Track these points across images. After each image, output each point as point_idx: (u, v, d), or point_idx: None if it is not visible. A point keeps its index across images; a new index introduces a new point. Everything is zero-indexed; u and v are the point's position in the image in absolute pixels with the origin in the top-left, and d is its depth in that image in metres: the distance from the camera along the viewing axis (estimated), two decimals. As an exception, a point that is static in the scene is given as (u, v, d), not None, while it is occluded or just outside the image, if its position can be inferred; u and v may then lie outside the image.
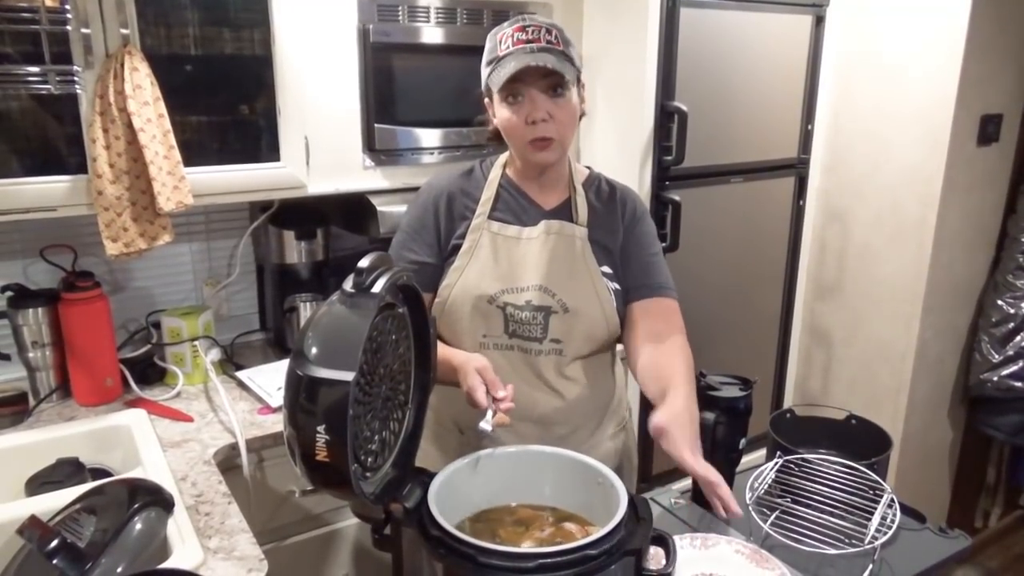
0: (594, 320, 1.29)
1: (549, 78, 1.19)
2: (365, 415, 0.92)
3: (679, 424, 1.09)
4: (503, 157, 1.35)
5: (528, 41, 1.18)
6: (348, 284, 0.89)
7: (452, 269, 1.29)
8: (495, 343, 1.28)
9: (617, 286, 1.31)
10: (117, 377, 1.67)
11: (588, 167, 1.40)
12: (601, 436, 1.35)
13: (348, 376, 0.82)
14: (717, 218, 2.16)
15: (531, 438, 1.25)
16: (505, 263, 1.28)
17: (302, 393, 0.83)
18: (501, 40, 1.21)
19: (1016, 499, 2.76)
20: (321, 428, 0.82)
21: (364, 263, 0.90)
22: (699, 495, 1.36)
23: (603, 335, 1.31)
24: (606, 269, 1.31)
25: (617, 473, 1.02)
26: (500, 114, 1.24)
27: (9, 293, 1.62)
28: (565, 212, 1.32)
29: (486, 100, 1.28)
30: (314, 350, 0.84)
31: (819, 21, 2.21)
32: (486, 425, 1.07)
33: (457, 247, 1.30)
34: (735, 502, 1.07)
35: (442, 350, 1.25)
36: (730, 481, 1.36)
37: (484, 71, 1.24)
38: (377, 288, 0.88)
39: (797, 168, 2.32)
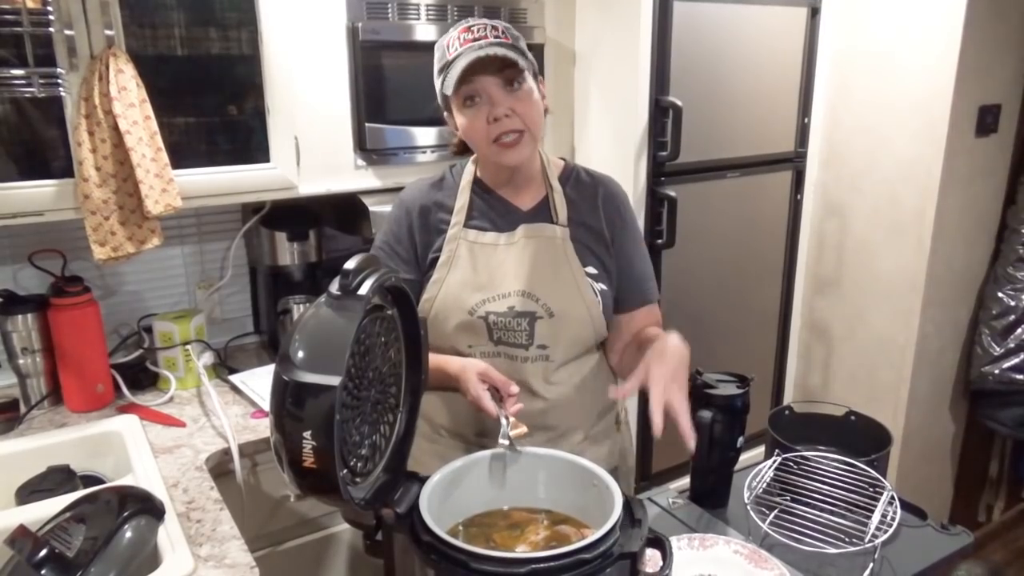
0: (580, 323, 1.26)
1: (504, 72, 1.15)
2: (354, 419, 0.90)
3: (659, 360, 1.08)
4: (473, 159, 1.31)
5: (475, 39, 1.15)
6: (334, 286, 0.87)
7: (432, 282, 1.26)
8: (481, 352, 1.25)
9: (603, 286, 1.28)
10: (108, 383, 1.65)
11: (563, 159, 1.36)
12: (592, 441, 1.32)
13: (334, 381, 0.80)
14: (714, 214, 2.14)
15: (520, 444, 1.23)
16: (484, 272, 1.25)
17: (288, 398, 0.81)
18: (448, 45, 1.18)
19: (1019, 492, 2.74)
20: (308, 434, 0.81)
21: (350, 264, 0.88)
22: (698, 495, 1.34)
23: (590, 338, 1.29)
24: (590, 269, 1.27)
25: (612, 475, 1.00)
26: (460, 122, 1.20)
27: (-2, 299, 1.60)
28: (544, 212, 1.28)
29: (446, 114, 1.25)
30: (300, 354, 0.83)
31: (814, 13, 2.19)
32: (504, 440, 1.05)
33: (435, 260, 1.27)
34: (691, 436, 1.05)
35: (435, 358, 1.23)
36: (728, 480, 1.34)
37: (437, 82, 1.20)
38: (364, 290, 0.87)
39: (794, 162, 2.30)
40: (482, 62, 1.13)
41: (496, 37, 1.16)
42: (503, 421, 1.08)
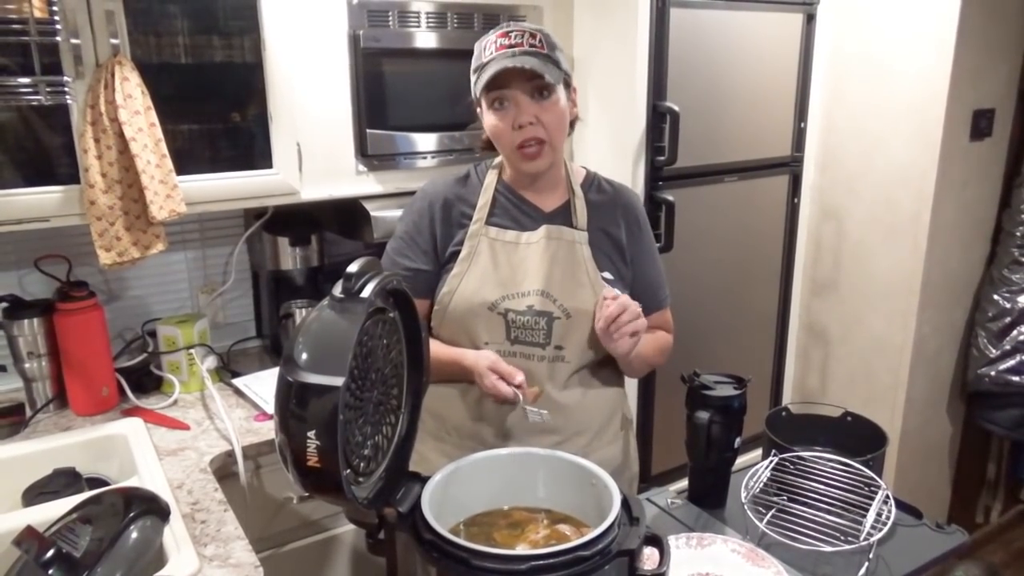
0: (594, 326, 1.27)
1: (533, 81, 1.19)
2: (356, 420, 0.92)
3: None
4: (498, 160, 1.34)
5: (511, 46, 1.19)
6: (337, 289, 0.89)
7: (451, 276, 1.28)
8: (497, 350, 1.27)
9: (617, 292, 1.29)
10: (113, 386, 1.67)
11: (584, 167, 1.40)
12: (598, 444, 1.34)
13: (338, 381, 0.82)
14: (711, 218, 2.16)
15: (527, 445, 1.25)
16: (505, 269, 1.28)
17: (292, 399, 0.83)
18: (485, 47, 1.22)
19: (1017, 494, 2.75)
20: (312, 434, 0.83)
21: (353, 268, 0.90)
22: (696, 495, 1.36)
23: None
24: (607, 275, 1.30)
25: (616, 476, 1.02)
26: (487, 121, 1.24)
27: (4, 304, 1.62)
28: (565, 215, 1.32)
29: (478, 109, 1.29)
30: (304, 356, 0.84)
31: (810, 19, 2.21)
32: (526, 405, 1.14)
33: (455, 254, 1.29)
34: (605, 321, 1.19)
35: (449, 350, 1.28)
36: (725, 480, 1.36)
37: (472, 79, 1.25)
38: (366, 293, 0.88)
39: (791, 166, 2.32)
40: (511, 72, 1.17)
41: (532, 45, 1.19)
42: (519, 396, 1.15)
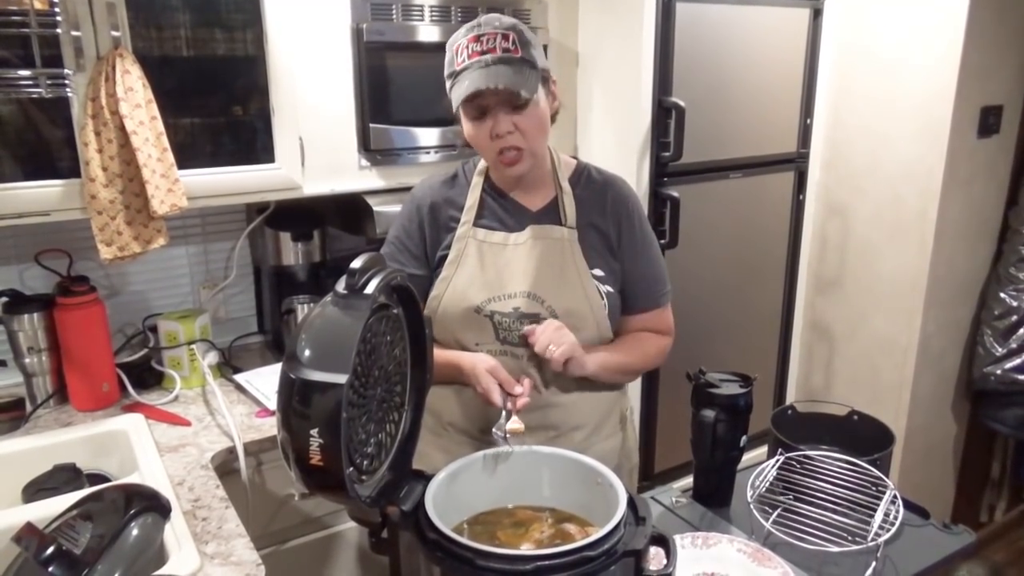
0: (584, 326, 1.26)
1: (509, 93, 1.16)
2: (360, 418, 0.91)
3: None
4: (484, 160, 1.32)
5: (483, 52, 1.14)
6: (341, 285, 0.88)
7: (439, 280, 1.27)
8: (488, 350, 1.26)
9: (610, 288, 1.29)
10: (114, 382, 1.66)
11: (575, 157, 1.37)
12: (595, 439, 1.33)
13: (341, 379, 0.81)
14: (716, 214, 2.15)
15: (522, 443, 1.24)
16: (492, 271, 1.26)
17: (295, 396, 0.82)
18: (457, 52, 1.17)
19: (1021, 493, 2.74)
20: (315, 431, 0.82)
21: (356, 264, 0.89)
22: (701, 494, 1.35)
23: (594, 339, 1.29)
24: (597, 271, 1.28)
25: (616, 473, 1.01)
26: (465, 128, 1.22)
27: (4, 299, 1.61)
28: (552, 213, 1.29)
29: (455, 108, 1.26)
30: (307, 352, 0.83)
31: (817, 14, 2.19)
32: (498, 432, 1.07)
33: (444, 257, 1.28)
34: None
35: (446, 353, 1.26)
36: (731, 479, 1.35)
37: (447, 83, 1.21)
38: (370, 289, 0.87)
39: (796, 163, 2.30)
40: (485, 90, 1.13)
41: (505, 50, 1.14)
42: (504, 414, 1.10)
